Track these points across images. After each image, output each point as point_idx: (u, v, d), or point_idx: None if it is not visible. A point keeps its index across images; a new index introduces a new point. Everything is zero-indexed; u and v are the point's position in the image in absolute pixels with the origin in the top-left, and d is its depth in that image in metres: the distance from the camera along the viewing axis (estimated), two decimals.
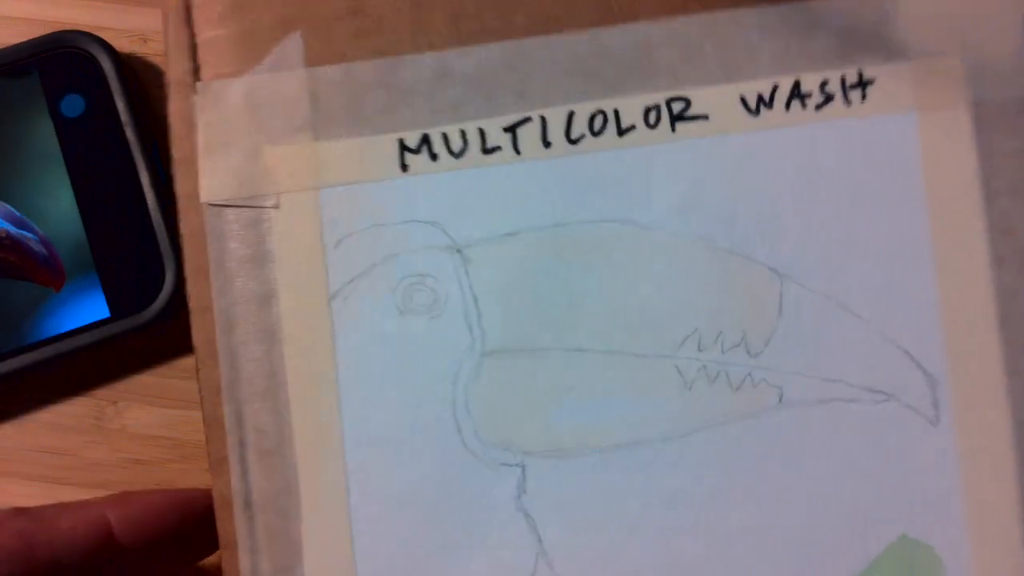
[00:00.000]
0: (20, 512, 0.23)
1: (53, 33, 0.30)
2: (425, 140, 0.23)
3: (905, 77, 0.23)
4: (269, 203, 0.23)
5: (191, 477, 0.31)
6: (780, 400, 0.22)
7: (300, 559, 0.22)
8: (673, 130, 0.23)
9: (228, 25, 0.23)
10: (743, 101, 0.23)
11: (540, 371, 0.23)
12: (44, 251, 0.30)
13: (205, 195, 0.23)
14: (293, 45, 0.23)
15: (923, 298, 0.22)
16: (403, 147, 0.23)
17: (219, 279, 0.23)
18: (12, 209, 0.30)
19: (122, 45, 0.31)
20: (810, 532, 0.22)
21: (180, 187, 0.23)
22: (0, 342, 0.30)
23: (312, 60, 0.23)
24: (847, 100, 0.23)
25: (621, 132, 0.23)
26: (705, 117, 0.23)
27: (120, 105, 0.31)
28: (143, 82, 0.31)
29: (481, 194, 0.23)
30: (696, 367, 0.22)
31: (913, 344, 0.22)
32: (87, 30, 0.31)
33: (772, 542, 0.22)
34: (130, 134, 0.31)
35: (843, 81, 0.23)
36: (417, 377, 0.23)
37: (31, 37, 0.30)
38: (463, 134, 0.23)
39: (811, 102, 0.23)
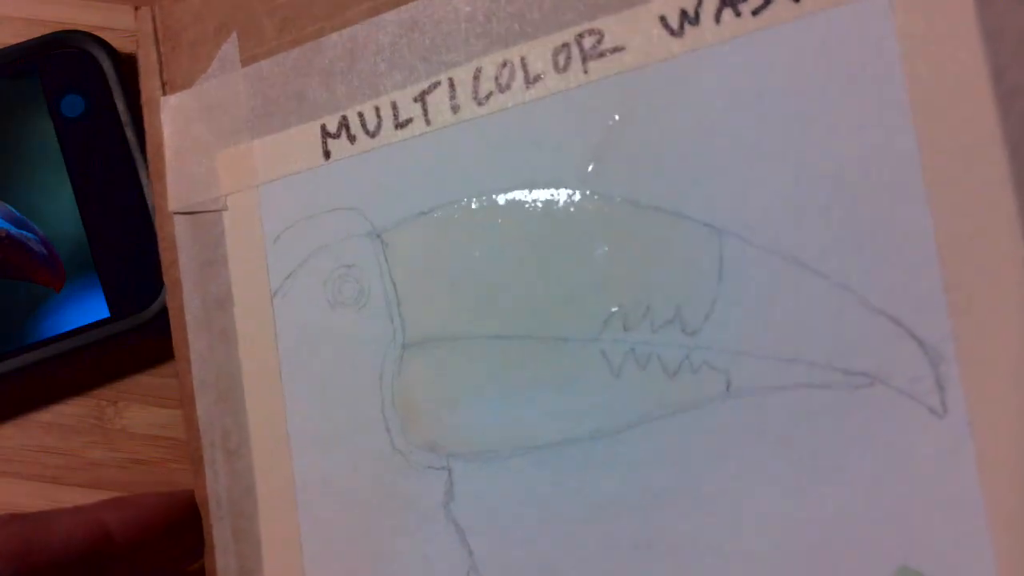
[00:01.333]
0: (18, 516, 0.24)
1: (53, 33, 0.31)
2: (343, 122, 0.22)
3: None
4: (218, 206, 0.23)
5: (190, 477, 0.30)
6: (727, 387, 0.18)
7: (260, 562, 0.22)
8: (585, 71, 0.19)
9: (182, 39, 0.24)
10: (663, 21, 0.19)
11: (458, 362, 0.20)
12: (44, 251, 0.30)
13: (171, 204, 0.24)
14: (230, 49, 0.24)
15: (913, 244, 0.17)
16: (325, 132, 0.22)
17: (188, 284, 0.24)
18: (12, 209, 0.30)
19: (122, 45, 0.31)
20: (774, 558, 0.18)
21: (156, 199, 0.25)
22: (0, 342, 0.29)
23: (247, 60, 0.24)
24: None
25: (529, 82, 0.20)
26: (621, 49, 0.19)
27: (120, 105, 0.31)
28: None
29: (395, 172, 0.21)
30: (623, 350, 0.19)
31: (902, 307, 0.17)
32: (87, 30, 0.31)
33: (727, 567, 0.18)
34: (130, 134, 0.31)
35: None
36: (349, 373, 0.22)
37: (31, 37, 0.30)
38: (377, 110, 0.21)
39: (747, 8, 0.18)
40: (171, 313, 0.24)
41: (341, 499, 0.21)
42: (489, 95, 0.20)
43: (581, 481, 0.19)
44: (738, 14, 0.18)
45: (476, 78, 0.20)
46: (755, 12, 0.18)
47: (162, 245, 0.24)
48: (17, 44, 0.31)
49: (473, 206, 0.20)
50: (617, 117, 0.19)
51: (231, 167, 0.23)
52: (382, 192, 0.21)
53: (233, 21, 0.23)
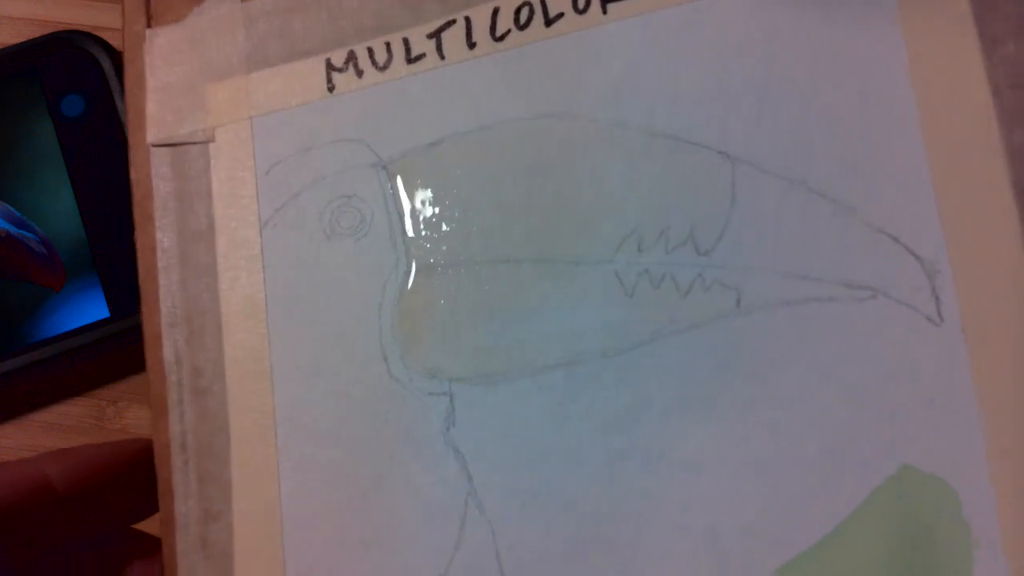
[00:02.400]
0: None
1: (53, 33, 0.31)
2: (351, 57, 0.22)
3: None
4: (205, 138, 0.23)
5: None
6: (738, 304, 0.19)
7: (229, 504, 0.22)
8: (604, 12, 0.21)
9: None
10: None
11: (466, 287, 0.21)
12: (44, 251, 0.30)
13: (150, 136, 0.24)
14: None
15: (908, 168, 0.19)
16: (330, 66, 0.23)
17: (163, 220, 0.23)
18: (12, 209, 0.30)
19: (122, 45, 0.30)
20: (783, 463, 0.19)
21: (130, 134, 0.24)
22: (0, 342, 0.29)
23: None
24: None
25: (548, 22, 0.21)
26: None
27: (120, 105, 0.31)
28: None
29: (405, 105, 0.22)
30: (637, 271, 0.20)
31: (900, 225, 0.19)
32: (87, 30, 0.31)
33: (736, 474, 0.19)
34: None
35: None
36: (344, 304, 0.22)
37: (31, 37, 0.30)
38: (387, 46, 0.22)
39: None
40: (139, 252, 0.23)
41: (328, 433, 0.21)
42: (507, 32, 0.21)
43: (591, 399, 0.20)
44: None
45: (494, 17, 0.21)
46: None
47: (134, 179, 0.24)
48: (17, 44, 0.32)
49: (487, 135, 0.21)
50: (634, 53, 0.20)
51: (222, 98, 0.23)
52: (390, 124, 0.22)
53: None
